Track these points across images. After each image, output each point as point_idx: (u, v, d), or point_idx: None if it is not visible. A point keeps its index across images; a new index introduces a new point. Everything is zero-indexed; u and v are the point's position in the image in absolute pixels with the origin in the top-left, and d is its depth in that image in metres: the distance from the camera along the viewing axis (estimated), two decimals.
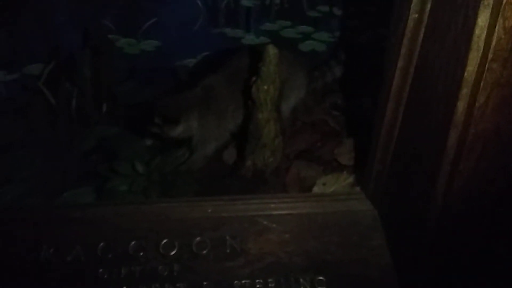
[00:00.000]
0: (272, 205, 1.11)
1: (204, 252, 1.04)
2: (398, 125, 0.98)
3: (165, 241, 1.06)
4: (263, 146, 1.27)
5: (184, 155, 1.37)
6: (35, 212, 1.18)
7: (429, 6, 0.86)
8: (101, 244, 1.06)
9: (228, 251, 1.04)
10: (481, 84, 0.72)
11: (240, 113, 1.35)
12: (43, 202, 1.28)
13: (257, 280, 0.99)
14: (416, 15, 0.88)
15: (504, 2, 0.67)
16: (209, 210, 1.11)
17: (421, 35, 0.89)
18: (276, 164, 1.31)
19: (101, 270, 1.01)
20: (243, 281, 0.99)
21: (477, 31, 0.70)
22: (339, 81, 1.59)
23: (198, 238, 1.07)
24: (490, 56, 0.70)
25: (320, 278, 0.99)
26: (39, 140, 1.54)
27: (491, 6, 0.68)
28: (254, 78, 1.23)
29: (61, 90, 1.64)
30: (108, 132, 1.52)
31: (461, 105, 0.74)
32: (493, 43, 0.69)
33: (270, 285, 0.98)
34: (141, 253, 1.04)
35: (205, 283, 0.99)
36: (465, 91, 0.73)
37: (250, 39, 2.12)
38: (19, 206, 1.27)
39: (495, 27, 0.69)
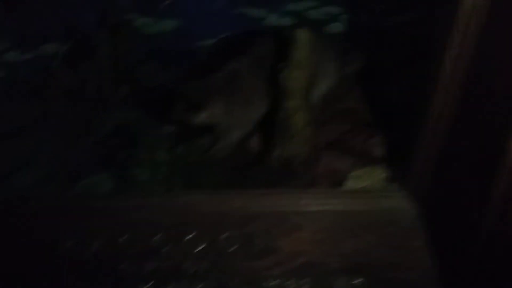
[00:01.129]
0: (304, 201, 1.04)
1: (232, 249, 0.98)
2: (448, 120, 0.90)
3: (190, 236, 1.00)
4: (291, 136, 1.20)
5: (208, 144, 1.30)
6: (53, 201, 1.13)
7: None
8: (124, 237, 1.00)
9: (257, 249, 0.98)
10: None
11: (267, 101, 1.27)
12: (61, 190, 1.22)
13: (289, 282, 0.93)
14: None
15: None
16: (237, 205, 1.04)
17: (479, 20, 0.81)
18: (305, 155, 1.23)
19: (123, 265, 0.96)
20: (274, 282, 0.93)
21: None
22: (371, 66, 1.51)
23: (225, 234, 1.00)
24: None
25: (357, 281, 0.93)
26: (55, 124, 1.48)
27: None
28: (282, 65, 1.15)
29: (77, 71, 1.59)
30: (127, 116, 1.45)
31: None
32: None
33: (303, 287, 0.93)
34: (166, 248, 0.98)
35: (233, 282, 0.94)
36: None
37: (273, 20, 2.03)
38: (35, 193, 1.22)
39: None
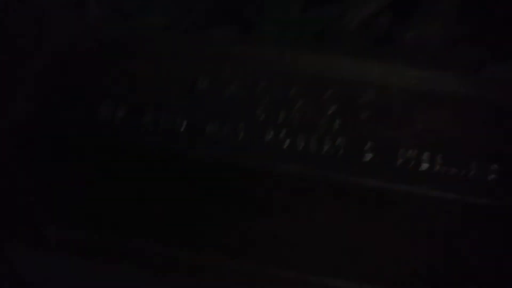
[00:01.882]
0: (448, 83, 1.01)
1: (368, 114, 0.96)
2: None
3: (326, 95, 0.99)
4: (434, 17, 1.14)
5: (339, 13, 1.25)
6: (183, 41, 1.12)
7: None
8: (260, 84, 0.99)
9: (394, 119, 0.97)
10: None
11: None
12: (189, 33, 1.21)
13: (424, 153, 0.93)
14: None
15: None
16: (376, 73, 1.01)
17: None
18: (442, 40, 1.18)
19: (259, 110, 0.96)
20: (409, 151, 0.93)
21: None
22: None
23: (361, 99, 0.98)
24: None
25: (493, 167, 0.92)
26: None
27: None
28: None
29: None
30: None
31: None
32: None
33: (438, 161, 0.92)
34: (300, 102, 0.98)
35: (366, 144, 0.94)
36: None
37: None
38: (163, 32, 1.21)
39: None
